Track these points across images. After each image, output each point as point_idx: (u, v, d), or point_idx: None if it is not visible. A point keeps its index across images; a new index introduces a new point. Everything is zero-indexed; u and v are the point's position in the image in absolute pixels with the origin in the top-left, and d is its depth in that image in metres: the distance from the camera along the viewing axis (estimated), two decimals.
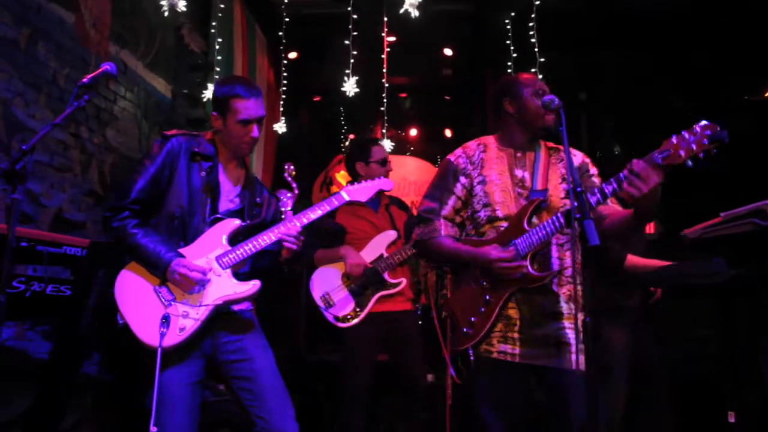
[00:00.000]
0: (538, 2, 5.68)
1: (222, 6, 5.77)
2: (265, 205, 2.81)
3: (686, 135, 2.09)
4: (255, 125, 2.61)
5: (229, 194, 2.69)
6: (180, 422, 2.42)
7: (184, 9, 5.00)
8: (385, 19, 6.01)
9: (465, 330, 2.49)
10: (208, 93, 5.50)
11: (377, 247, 3.78)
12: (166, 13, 4.99)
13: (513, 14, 6.41)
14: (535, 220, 2.44)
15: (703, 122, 2.08)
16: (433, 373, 4.69)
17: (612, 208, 2.49)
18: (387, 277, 3.72)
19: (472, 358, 2.49)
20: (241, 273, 2.61)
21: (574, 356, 2.35)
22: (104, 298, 3.18)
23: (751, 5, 5.11)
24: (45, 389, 3.14)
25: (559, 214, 2.34)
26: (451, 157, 2.67)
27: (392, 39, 6.28)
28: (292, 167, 2.90)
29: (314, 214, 2.63)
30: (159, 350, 2.33)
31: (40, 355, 3.67)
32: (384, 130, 6.67)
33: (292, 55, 6.94)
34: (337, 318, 3.66)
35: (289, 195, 2.83)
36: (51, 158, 4.10)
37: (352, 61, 5.71)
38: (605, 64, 6.45)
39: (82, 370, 3.50)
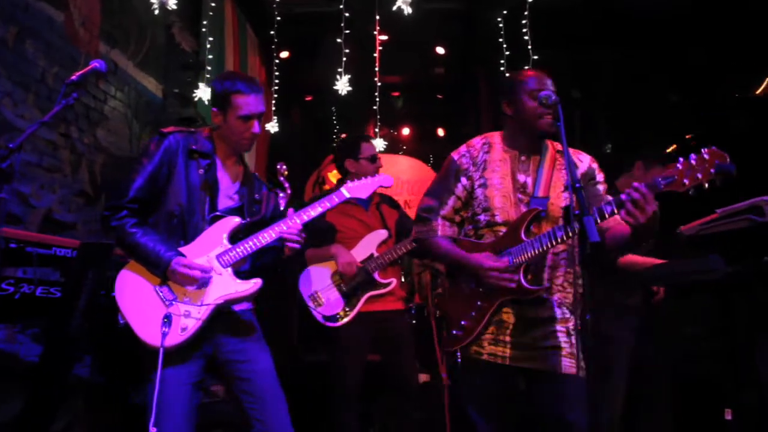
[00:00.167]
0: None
1: (213, 4, 5.72)
2: (264, 201, 2.78)
3: (693, 161, 2.04)
4: (256, 121, 2.60)
5: (227, 191, 2.67)
6: (177, 421, 2.39)
7: (175, 7, 4.95)
8: (377, 17, 5.98)
9: (454, 332, 2.49)
10: (200, 92, 5.45)
11: (367, 246, 3.74)
12: (156, 11, 4.94)
13: (505, 12, 6.39)
14: (533, 229, 2.42)
15: (713, 148, 2.02)
16: (429, 373, 4.66)
17: (614, 219, 2.40)
18: (377, 277, 3.68)
19: (459, 360, 2.48)
20: (241, 271, 2.59)
21: (565, 360, 2.35)
22: (95, 300, 3.14)
23: (748, 3, 5.11)
24: (36, 392, 3.09)
25: (557, 228, 2.30)
26: (455, 155, 2.64)
27: (384, 38, 6.25)
28: (284, 167, 2.89)
29: (315, 211, 2.62)
30: (161, 350, 2.32)
31: (31, 358, 3.63)
32: (377, 129, 6.65)
33: (284, 54, 6.91)
34: (326, 317, 3.63)
35: (281, 195, 2.83)
36: (40, 158, 4.05)
37: (344, 59, 5.68)
38: (600, 61, 6.44)
39: (73, 372, 3.45)
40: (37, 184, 4.01)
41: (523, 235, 2.37)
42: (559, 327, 2.39)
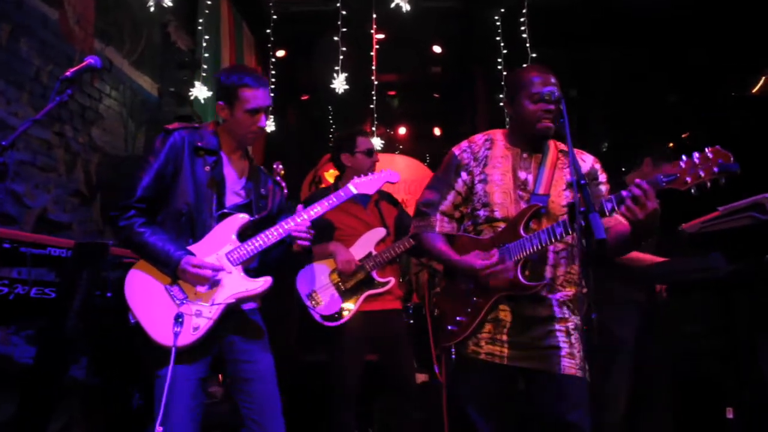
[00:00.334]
0: None
1: (209, 2, 5.70)
2: (270, 195, 2.77)
3: (696, 159, 2.00)
4: (262, 115, 2.59)
5: (234, 187, 2.65)
6: (182, 417, 2.37)
7: (170, 4, 4.92)
8: (374, 16, 5.96)
9: (450, 328, 2.47)
10: (196, 91, 5.43)
11: (366, 244, 3.70)
12: (152, 8, 4.91)
13: (502, 10, 6.38)
14: (533, 225, 2.39)
15: (717, 147, 1.99)
16: (427, 373, 4.63)
17: (615, 219, 2.39)
18: (375, 276, 3.65)
19: (453, 356, 2.45)
20: (251, 269, 2.59)
21: (565, 360, 2.31)
22: (90, 301, 3.11)
23: (747, 2, 5.10)
24: (31, 394, 3.06)
25: (556, 225, 2.27)
26: (456, 150, 2.62)
27: (381, 36, 6.23)
28: (280, 166, 2.87)
29: (322, 207, 2.62)
30: (173, 350, 2.31)
31: (26, 360, 3.59)
32: (373, 128, 6.62)
33: (280, 53, 6.88)
34: (324, 317, 3.59)
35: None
36: (34, 158, 4.00)
37: (341, 57, 5.66)
38: (598, 60, 6.43)
39: (68, 373, 3.41)
40: (31, 184, 3.97)
41: (522, 231, 2.34)
42: (558, 327, 2.36)
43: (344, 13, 5.74)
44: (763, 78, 5.88)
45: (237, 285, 2.48)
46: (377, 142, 6.06)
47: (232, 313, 2.50)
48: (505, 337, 2.36)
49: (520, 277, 2.31)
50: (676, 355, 3.89)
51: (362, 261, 3.65)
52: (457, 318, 2.43)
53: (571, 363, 2.30)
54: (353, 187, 2.74)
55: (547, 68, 2.52)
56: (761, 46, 5.09)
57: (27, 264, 2.95)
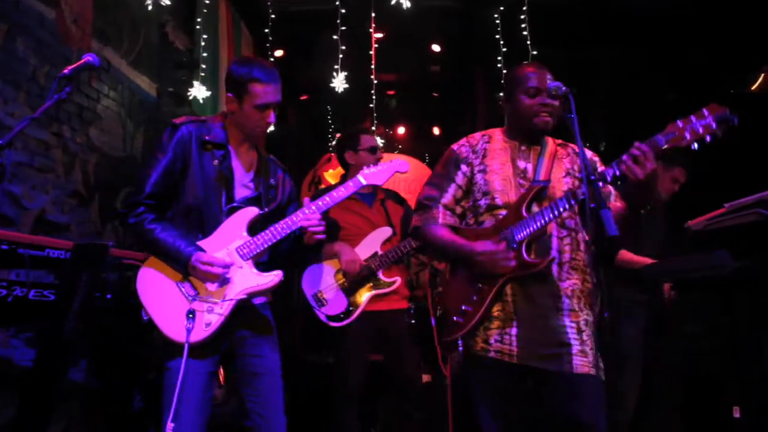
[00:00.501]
0: None
1: (207, 2, 5.67)
2: (279, 186, 2.75)
3: (693, 118, 2.03)
4: (271, 111, 2.56)
5: (243, 180, 2.63)
6: (191, 410, 2.38)
7: (168, 2, 4.89)
8: (373, 14, 5.93)
9: (455, 318, 2.41)
10: (194, 91, 5.39)
11: (371, 244, 3.67)
12: (150, 7, 4.88)
13: (502, 9, 6.35)
14: (534, 208, 2.35)
15: (711, 104, 2.02)
16: (430, 374, 4.59)
17: (612, 205, 2.40)
18: (381, 276, 3.61)
19: (460, 349, 2.40)
20: (261, 263, 2.58)
21: (577, 359, 2.26)
22: (89, 302, 3.09)
23: (746, 1, 5.08)
24: (30, 396, 3.03)
25: (558, 200, 2.25)
26: (455, 146, 2.61)
27: (380, 35, 6.20)
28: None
29: (331, 198, 2.59)
30: (186, 346, 2.33)
31: (25, 363, 3.56)
32: (373, 128, 6.59)
33: (279, 53, 6.85)
34: (329, 317, 3.55)
35: None
36: (32, 159, 3.97)
37: (341, 56, 5.62)
38: (597, 59, 6.40)
39: (67, 376, 3.39)
40: (29, 185, 3.93)
41: (524, 212, 2.32)
42: (568, 322, 2.30)
43: (343, 11, 5.70)
44: (762, 75, 5.86)
45: (248, 280, 2.48)
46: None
47: (243, 307, 2.50)
48: (514, 331, 2.30)
49: (525, 255, 2.27)
50: (684, 354, 3.87)
51: (368, 261, 3.61)
52: (462, 307, 2.37)
53: (583, 361, 2.25)
54: (362, 178, 2.70)
55: (543, 64, 2.52)
56: (760, 45, 5.07)
57: (25, 266, 2.92)
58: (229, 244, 2.51)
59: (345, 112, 8.61)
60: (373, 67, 6.11)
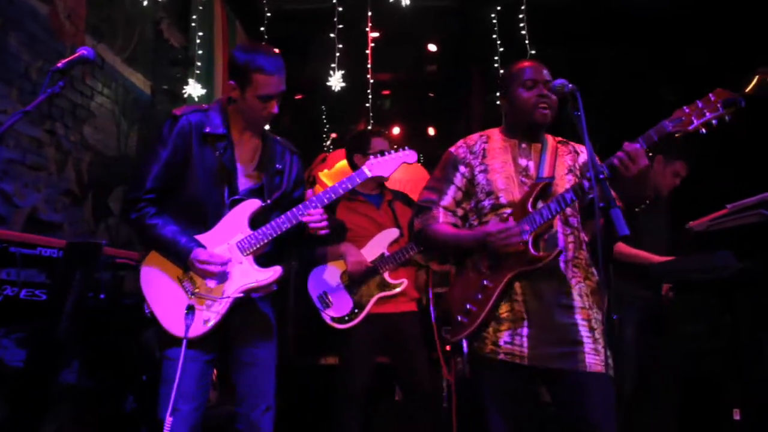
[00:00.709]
0: None
1: None
2: (286, 170, 2.68)
3: (699, 103, 2.03)
4: (275, 102, 2.49)
5: (246, 169, 2.58)
6: (187, 398, 2.37)
7: None
8: (369, 13, 5.90)
9: (460, 318, 2.34)
10: (189, 89, 5.35)
11: (378, 245, 3.61)
12: (145, 2, 4.82)
13: (499, 8, 6.32)
14: (540, 204, 2.31)
15: (717, 89, 2.01)
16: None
17: None
18: (387, 278, 3.56)
19: (465, 350, 2.35)
20: (264, 254, 2.55)
21: (589, 357, 2.20)
22: (82, 302, 3.06)
23: (746, 1, 5.06)
24: (21, 398, 2.99)
25: (564, 192, 2.21)
26: (452, 148, 2.56)
27: (376, 34, 6.16)
28: None
29: (335, 192, 2.53)
30: (184, 342, 2.34)
31: (16, 364, 3.50)
32: (369, 127, 6.56)
33: (277, 52, 6.79)
34: (334, 319, 3.51)
35: None
36: (24, 156, 3.91)
37: (338, 54, 5.59)
38: (596, 59, 6.38)
39: (59, 377, 3.34)
40: (20, 183, 3.87)
41: (530, 208, 2.27)
42: (580, 320, 2.24)
43: (340, 9, 5.66)
44: (756, 77, 5.85)
45: (246, 276, 2.46)
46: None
47: (242, 301, 2.48)
48: (525, 331, 2.24)
49: (532, 249, 2.22)
50: (682, 355, 3.85)
51: (374, 262, 3.56)
52: (467, 306, 2.32)
53: (596, 359, 2.20)
54: (367, 170, 2.62)
55: (539, 62, 2.49)
56: (759, 45, 5.05)
57: (17, 265, 2.89)
58: (230, 238, 2.48)
59: (340, 112, 8.57)
60: (369, 66, 6.08)
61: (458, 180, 2.47)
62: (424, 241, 2.54)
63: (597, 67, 6.39)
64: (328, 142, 9.30)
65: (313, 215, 2.47)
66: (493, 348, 2.28)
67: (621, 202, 2.23)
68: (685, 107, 2.04)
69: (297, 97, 8.65)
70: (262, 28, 6.31)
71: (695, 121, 2.01)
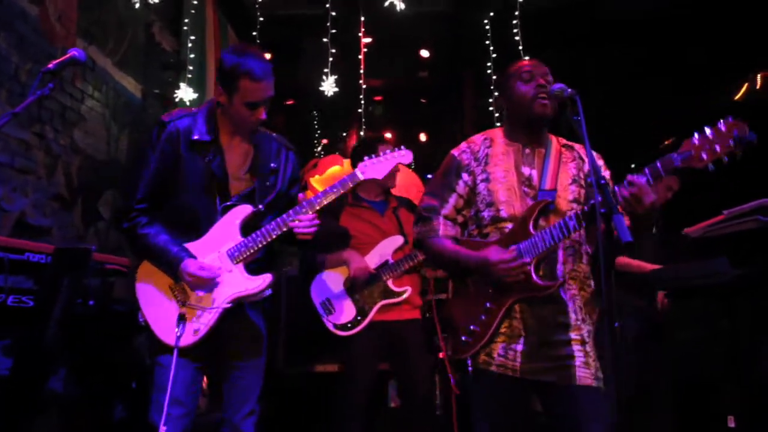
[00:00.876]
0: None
1: (194, 2, 5.58)
2: (281, 168, 2.62)
3: (709, 134, 1.91)
4: (263, 108, 2.44)
5: (237, 173, 2.53)
6: (175, 403, 2.35)
7: (156, 0, 4.80)
8: (362, 18, 5.89)
9: (464, 339, 2.32)
10: (181, 93, 5.30)
11: (382, 252, 3.56)
12: (137, 5, 4.78)
13: (492, 14, 6.32)
14: (542, 222, 2.27)
15: (729, 119, 1.90)
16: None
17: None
18: (391, 285, 3.52)
19: (470, 368, 2.32)
20: (254, 262, 2.51)
21: (580, 371, 2.19)
22: (71, 309, 3.02)
23: (741, 5, 5.08)
24: (7, 407, 2.93)
25: (567, 218, 2.16)
26: (455, 152, 2.48)
27: (368, 40, 6.15)
28: None
29: (326, 196, 2.47)
30: (175, 351, 2.33)
31: (2, 372, 3.43)
32: (361, 133, 6.54)
33: (266, 56, 6.77)
34: (336, 326, 3.46)
35: None
36: (12, 159, 3.85)
37: (330, 59, 5.56)
38: (590, 64, 6.38)
39: (47, 385, 3.28)
40: (8, 187, 3.82)
41: (531, 229, 2.22)
42: (573, 335, 2.23)
43: (333, 14, 5.65)
44: (746, 84, 5.89)
45: (236, 285, 2.43)
46: None
47: (232, 310, 2.45)
48: (519, 347, 2.22)
49: (535, 277, 2.19)
50: (678, 361, 3.83)
51: (377, 269, 3.52)
52: (471, 327, 2.29)
53: (586, 373, 2.19)
54: (360, 173, 2.55)
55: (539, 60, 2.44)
56: (755, 49, 5.06)
57: (4, 270, 2.86)
58: (220, 246, 2.45)
59: (332, 118, 8.55)
60: (362, 71, 6.06)
61: (460, 188, 2.42)
62: (423, 251, 2.53)
63: (591, 72, 6.40)
64: (319, 148, 9.28)
65: (302, 221, 2.43)
66: (486, 359, 2.26)
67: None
68: (694, 137, 1.94)
69: (288, 103, 8.63)
70: (254, 33, 6.28)
71: (705, 157, 1.90)
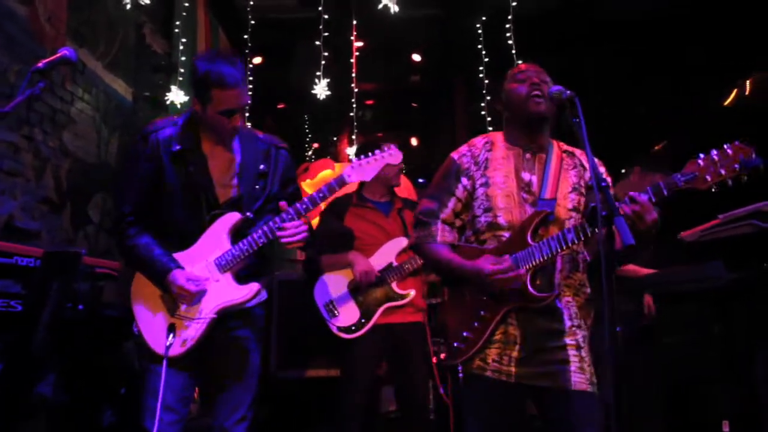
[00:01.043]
0: (515, 3, 5.60)
1: (186, 5, 5.55)
2: (271, 169, 2.57)
3: (715, 157, 1.91)
4: (238, 115, 2.40)
5: (223, 179, 2.49)
6: (166, 410, 2.35)
7: (148, 1, 4.77)
8: (354, 22, 5.88)
9: (456, 345, 2.29)
10: (172, 95, 5.27)
11: (386, 254, 3.53)
12: (128, 6, 4.75)
13: (484, 19, 6.33)
14: (540, 231, 2.24)
15: (736, 143, 1.89)
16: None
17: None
18: (395, 287, 3.49)
19: (461, 375, 2.30)
20: (245, 269, 2.49)
21: (575, 376, 2.17)
22: (60, 313, 2.99)
23: (732, 10, 5.10)
24: None
25: (566, 231, 2.14)
26: (455, 155, 2.45)
27: (360, 44, 6.14)
28: None
29: (313, 203, 2.43)
30: (165, 361, 2.32)
31: None
32: (353, 137, 6.52)
33: (257, 60, 6.75)
34: (340, 329, 3.43)
35: None
36: (0, 162, 3.80)
37: (323, 62, 5.55)
38: (584, 68, 6.40)
39: (35, 391, 3.24)
40: None
41: (529, 239, 2.20)
42: (568, 340, 2.21)
43: (326, 17, 5.63)
44: (735, 91, 5.92)
45: (223, 294, 2.41)
46: (353, 152, 5.94)
47: (223, 319, 2.43)
48: (515, 354, 2.20)
49: (530, 288, 2.17)
50: (672, 366, 3.82)
51: (382, 272, 3.49)
52: (464, 333, 2.27)
53: (581, 378, 2.17)
54: (346, 177, 2.50)
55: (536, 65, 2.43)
56: (754, 49, 5.08)
57: None
58: (209, 255, 2.43)
59: (323, 122, 8.54)
60: (354, 75, 6.05)
61: (460, 192, 2.39)
62: (420, 256, 2.53)
63: (584, 77, 6.41)
64: (310, 152, 9.27)
65: (287, 229, 2.38)
66: (481, 364, 2.24)
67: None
68: (699, 158, 1.93)
69: (279, 106, 8.61)
70: (245, 36, 6.26)
71: (709, 179, 1.90)
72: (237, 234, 2.44)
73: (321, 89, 5.54)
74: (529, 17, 5.76)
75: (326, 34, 5.64)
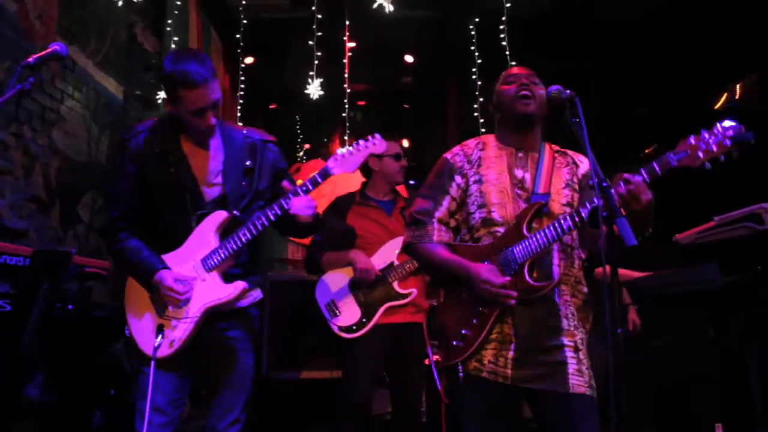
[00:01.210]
0: (509, 4, 5.59)
1: (178, 3, 5.51)
2: (257, 164, 2.55)
3: (706, 135, 1.92)
4: (209, 113, 2.36)
5: (208, 178, 2.48)
6: (156, 412, 2.36)
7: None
8: (347, 22, 5.87)
9: (455, 343, 2.28)
10: (163, 94, 5.21)
11: (388, 253, 3.50)
12: (120, 4, 4.71)
13: (477, 20, 6.33)
14: (535, 225, 2.24)
15: (726, 122, 1.91)
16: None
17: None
18: (396, 287, 3.47)
19: (461, 374, 2.28)
20: (237, 267, 2.49)
21: (573, 378, 2.15)
22: (49, 313, 2.99)
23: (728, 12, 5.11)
24: None
25: (562, 218, 2.14)
26: (448, 155, 2.46)
27: (353, 44, 6.13)
28: None
29: (313, 184, 2.45)
30: (153, 362, 2.32)
31: None
32: (345, 137, 6.50)
33: (249, 59, 6.72)
34: (341, 328, 3.40)
35: None
36: None
37: (316, 62, 5.53)
38: (579, 70, 6.39)
39: (23, 391, 3.21)
40: None
41: (525, 231, 2.20)
42: (566, 341, 2.20)
43: (319, 17, 5.61)
44: (725, 95, 5.93)
45: (208, 294, 2.40)
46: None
47: (212, 316, 2.43)
48: (510, 354, 2.18)
49: (528, 278, 2.16)
50: (665, 369, 3.82)
51: (383, 271, 3.46)
52: (462, 331, 2.25)
53: (579, 381, 2.15)
54: (329, 168, 2.50)
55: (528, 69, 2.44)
56: (754, 49, 5.09)
57: None
58: (196, 254, 2.43)
59: (315, 122, 8.51)
60: (346, 75, 6.03)
61: (454, 190, 2.39)
62: (414, 255, 2.48)
63: (579, 79, 6.42)
64: (302, 153, 9.23)
65: (298, 201, 2.42)
66: (477, 365, 2.23)
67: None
68: (690, 137, 1.94)
69: (271, 107, 8.57)
70: (237, 35, 6.23)
71: (701, 156, 1.91)
72: (225, 233, 2.43)
73: (314, 89, 5.52)
74: (523, 18, 5.76)
75: (319, 33, 5.62)
